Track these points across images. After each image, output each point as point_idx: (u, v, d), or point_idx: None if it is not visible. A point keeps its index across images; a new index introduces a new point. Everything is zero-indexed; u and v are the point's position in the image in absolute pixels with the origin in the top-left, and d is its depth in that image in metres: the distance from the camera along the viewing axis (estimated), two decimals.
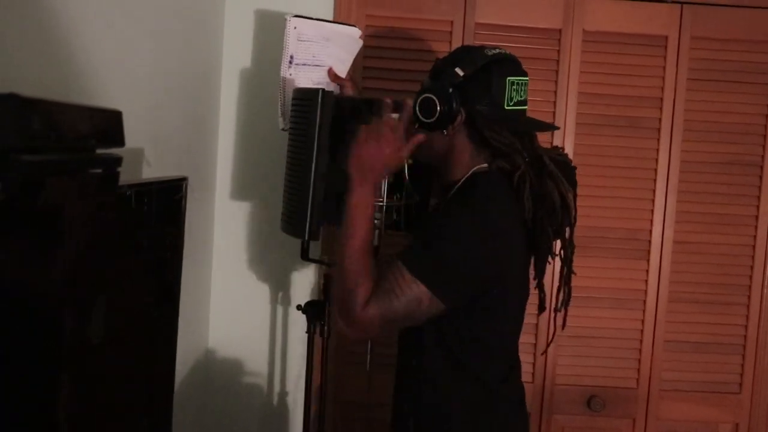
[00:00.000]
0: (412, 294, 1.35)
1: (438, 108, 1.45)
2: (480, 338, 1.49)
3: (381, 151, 1.42)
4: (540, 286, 1.61)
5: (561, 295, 1.59)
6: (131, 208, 1.20)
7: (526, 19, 2.25)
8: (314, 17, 1.89)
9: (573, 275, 1.58)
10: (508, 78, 1.46)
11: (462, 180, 1.50)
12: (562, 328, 1.61)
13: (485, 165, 1.50)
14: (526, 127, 1.53)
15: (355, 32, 1.98)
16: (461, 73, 1.46)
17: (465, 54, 1.52)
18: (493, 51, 1.49)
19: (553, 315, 1.61)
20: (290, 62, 1.85)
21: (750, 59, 2.29)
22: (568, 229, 1.53)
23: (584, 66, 2.26)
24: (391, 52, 2.22)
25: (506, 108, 1.47)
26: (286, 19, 1.83)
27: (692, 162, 2.30)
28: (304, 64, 1.88)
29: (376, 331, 1.39)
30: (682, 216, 2.30)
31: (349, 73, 1.98)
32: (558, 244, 1.55)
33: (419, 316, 1.38)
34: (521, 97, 1.49)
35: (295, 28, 1.84)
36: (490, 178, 1.48)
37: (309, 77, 1.90)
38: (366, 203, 1.43)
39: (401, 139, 1.45)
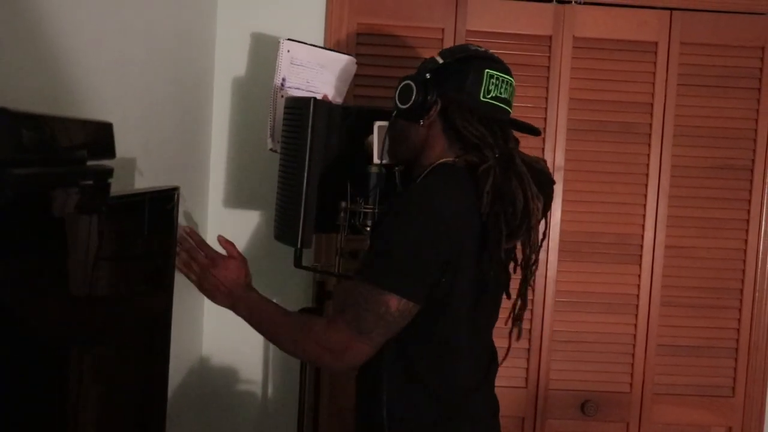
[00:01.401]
0: (377, 301, 1.33)
1: (414, 93, 1.46)
2: (439, 340, 1.44)
3: (213, 279, 1.56)
4: (493, 294, 1.55)
5: (516, 305, 1.54)
6: (123, 218, 1.20)
7: (517, 26, 2.27)
8: (309, 42, 1.89)
9: (530, 287, 1.55)
10: (487, 70, 1.46)
11: (424, 172, 1.49)
12: (517, 339, 1.56)
13: (452, 159, 1.48)
14: (500, 121, 1.49)
15: (351, 61, 1.98)
16: (440, 61, 1.49)
17: (451, 48, 1.57)
18: (479, 48, 1.51)
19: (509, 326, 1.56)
20: (282, 85, 1.85)
21: (739, 64, 2.31)
22: (531, 240, 1.46)
23: (575, 72, 2.28)
24: (382, 59, 2.23)
25: (482, 99, 1.46)
26: (279, 42, 1.83)
27: (683, 167, 2.31)
28: (297, 88, 1.88)
29: (364, 349, 1.35)
30: (674, 220, 2.32)
31: (343, 101, 1.99)
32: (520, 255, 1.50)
33: (398, 320, 1.35)
34: (500, 93, 1.48)
35: (288, 51, 1.83)
36: (450, 169, 1.46)
37: None
38: (244, 309, 1.55)
39: (212, 257, 1.57)
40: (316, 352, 1.39)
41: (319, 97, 1.91)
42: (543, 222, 1.49)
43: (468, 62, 1.47)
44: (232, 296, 1.55)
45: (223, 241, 1.61)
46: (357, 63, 2.01)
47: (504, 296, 1.58)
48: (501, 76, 1.48)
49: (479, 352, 1.55)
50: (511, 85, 1.50)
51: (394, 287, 1.34)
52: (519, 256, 1.51)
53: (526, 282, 1.52)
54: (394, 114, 1.53)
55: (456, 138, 1.48)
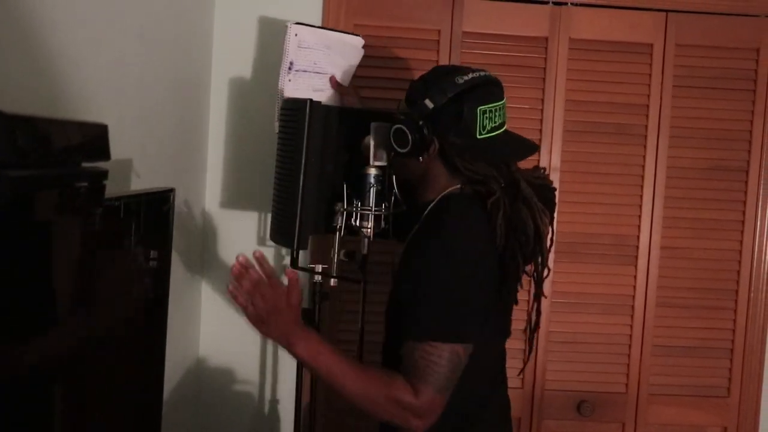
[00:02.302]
0: (447, 356, 1.35)
1: (410, 139, 1.47)
2: None
3: (277, 317, 1.36)
4: (507, 311, 1.60)
5: (533, 316, 1.59)
6: (119, 219, 1.21)
7: (513, 27, 2.27)
8: (315, 25, 1.90)
9: (543, 298, 1.57)
10: (479, 108, 1.45)
11: (435, 201, 1.51)
12: (529, 353, 1.61)
13: (459, 186, 1.50)
14: (500, 157, 1.51)
15: (358, 41, 1.98)
16: (431, 106, 1.46)
17: (436, 82, 1.50)
18: (465, 78, 1.47)
19: (525, 336, 1.62)
20: (290, 68, 1.86)
21: (734, 66, 2.31)
22: (541, 255, 1.51)
23: (571, 73, 2.29)
24: (379, 60, 2.24)
25: (478, 137, 1.46)
26: (286, 26, 1.83)
27: (678, 168, 2.32)
28: (305, 71, 1.89)
29: (444, 401, 1.38)
30: (669, 221, 2.32)
31: (351, 82, 1.99)
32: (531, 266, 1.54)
33: (462, 365, 1.39)
34: (495, 122, 1.48)
35: (296, 35, 1.84)
36: (461, 202, 1.48)
37: (310, 83, 1.90)
38: (310, 357, 1.38)
39: (279, 293, 1.37)
40: (399, 414, 1.37)
41: (326, 79, 1.92)
42: (549, 232, 1.53)
43: (459, 101, 1.46)
44: (295, 335, 1.39)
45: (290, 273, 1.41)
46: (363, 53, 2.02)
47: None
48: (493, 107, 1.47)
49: (495, 365, 1.60)
50: (502, 107, 1.50)
51: (459, 338, 1.37)
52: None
53: (539, 295, 1.55)
54: (392, 155, 1.54)
55: (458, 171, 1.50)
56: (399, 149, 1.50)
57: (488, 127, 1.47)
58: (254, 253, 1.38)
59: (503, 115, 1.51)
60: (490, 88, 1.49)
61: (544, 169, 1.60)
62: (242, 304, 1.36)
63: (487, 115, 1.46)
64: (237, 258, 1.34)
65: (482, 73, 1.50)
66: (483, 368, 1.52)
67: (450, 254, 1.40)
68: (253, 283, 1.34)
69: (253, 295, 1.35)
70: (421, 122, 1.47)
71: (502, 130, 1.51)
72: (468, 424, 1.51)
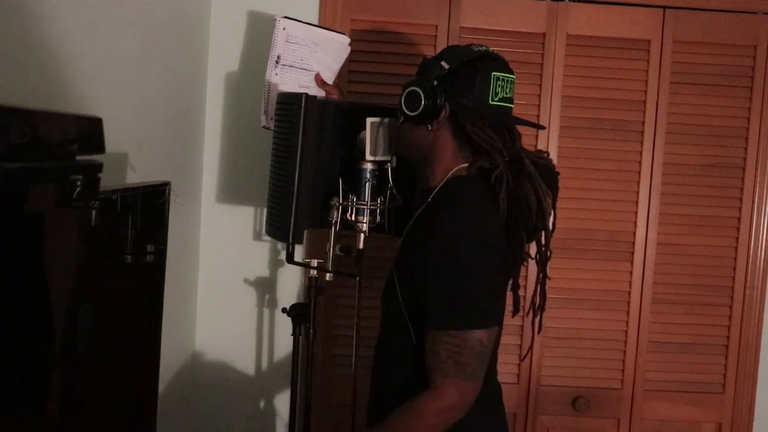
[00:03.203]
0: (470, 343, 1.37)
1: (422, 101, 1.46)
2: None
3: None
4: (514, 288, 1.61)
5: (537, 299, 1.59)
6: (114, 212, 1.20)
7: (510, 23, 2.27)
8: (304, 21, 1.90)
9: (548, 279, 1.59)
10: (494, 73, 1.47)
11: (440, 185, 1.51)
12: (538, 333, 1.61)
13: (464, 165, 1.50)
14: (510, 122, 1.53)
15: (345, 39, 1.99)
16: (446, 67, 1.47)
17: (452, 50, 1.54)
18: (480, 48, 1.50)
19: (529, 319, 1.62)
20: (277, 62, 1.86)
21: (732, 62, 2.31)
22: (544, 234, 1.53)
23: (568, 69, 2.28)
24: (376, 56, 2.24)
25: (491, 103, 1.47)
26: (275, 20, 1.84)
27: (675, 164, 2.32)
28: (291, 66, 1.89)
29: (477, 387, 1.41)
30: (665, 218, 2.33)
31: (335, 80, 1.99)
32: (534, 247, 1.55)
33: (490, 347, 1.42)
34: (506, 94, 1.50)
35: (284, 29, 1.85)
36: (468, 185, 1.48)
37: (295, 79, 1.91)
38: None
39: None
40: (439, 419, 1.40)
41: (312, 75, 1.92)
42: (552, 214, 1.53)
43: (474, 66, 1.47)
44: None
45: None
46: (350, 53, 2.02)
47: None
48: (506, 77, 1.49)
49: (496, 348, 1.59)
50: (512, 82, 1.52)
51: (479, 324, 1.39)
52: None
53: (544, 276, 1.57)
54: (401, 120, 1.53)
55: (465, 142, 1.50)
56: (410, 112, 1.49)
57: (500, 95, 1.48)
58: None
59: (512, 90, 1.52)
60: (502, 62, 1.51)
61: (548, 153, 1.60)
62: None
63: (500, 83, 1.48)
64: None
65: (493, 51, 1.53)
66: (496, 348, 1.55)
67: (466, 243, 1.40)
68: None
69: None
70: (435, 82, 1.46)
71: (510, 105, 1.52)
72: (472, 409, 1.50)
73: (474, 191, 1.48)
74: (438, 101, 1.46)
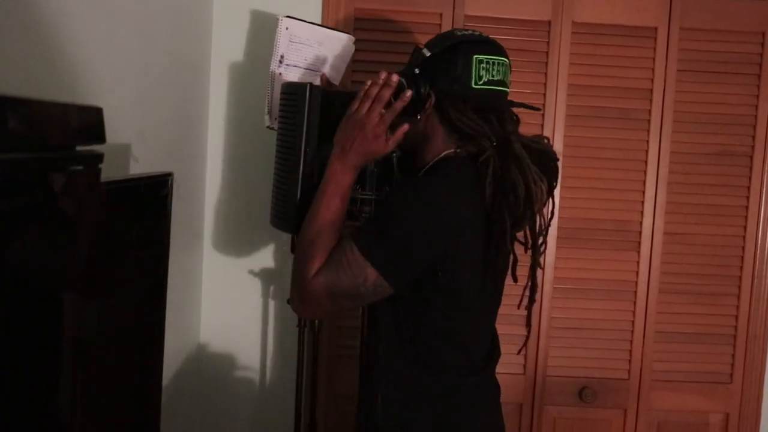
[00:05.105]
0: (359, 270, 1.34)
1: (406, 89, 1.44)
2: (439, 329, 1.45)
3: (367, 137, 1.42)
4: (496, 281, 1.55)
5: (526, 290, 1.53)
6: (115, 204, 1.19)
7: (516, 11, 2.25)
8: (307, 20, 1.88)
9: (540, 269, 1.54)
10: (475, 56, 1.42)
11: (429, 164, 1.49)
12: (528, 325, 1.57)
13: (453, 150, 1.47)
14: (495, 105, 1.47)
15: (349, 39, 1.97)
16: (427, 54, 1.45)
17: (437, 36, 1.51)
18: (465, 32, 1.47)
19: (526, 310, 1.56)
20: (280, 62, 1.84)
21: (739, 50, 2.29)
22: (541, 222, 1.48)
23: (574, 57, 2.26)
24: (380, 45, 2.22)
25: (473, 87, 1.42)
26: (278, 19, 1.82)
27: (682, 153, 2.30)
28: (295, 66, 1.87)
29: (324, 304, 1.37)
30: (672, 207, 2.31)
31: (341, 81, 1.98)
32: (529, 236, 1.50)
33: (365, 295, 1.36)
34: (493, 76, 1.44)
35: (287, 28, 1.82)
36: (455, 163, 1.45)
37: (299, 79, 1.89)
38: (339, 181, 1.43)
39: (386, 129, 1.43)
40: (294, 280, 1.41)
41: (317, 76, 1.91)
42: (550, 201, 1.49)
43: (455, 50, 1.43)
44: (348, 154, 1.44)
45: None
46: (355, 48, 2.00)
47: (508, 281, 1.57)
48: (491, 59, 1.44)
49: (481, 338, 1.56)
50: (503, 65, 1.46)
51: (378, 263, 1.34)
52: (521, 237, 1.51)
53: (535, 265, 1.51)
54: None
55: (452, 129, 1.47)
56: None
57: (485, 78, 1.43)
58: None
59: (504, 74, 1.46)
60: (489, 45, 1.46)
61: (548, 138, 1.56)
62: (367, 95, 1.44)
63: (484, 65, 1.43)
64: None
65: (482, 34, 1.48)
66: (471, 341, 1.51)
67: (423, 202, 1.37)
68: (381, 97, 1.42)
69: (374, 102, 1.43)
70: (417, 70, 1.45)
71: (501, 88, 1.46)
72: (452, 396, 1.48)
73: (459, 170, 1.44)
74: (422, 90, 1.44)
